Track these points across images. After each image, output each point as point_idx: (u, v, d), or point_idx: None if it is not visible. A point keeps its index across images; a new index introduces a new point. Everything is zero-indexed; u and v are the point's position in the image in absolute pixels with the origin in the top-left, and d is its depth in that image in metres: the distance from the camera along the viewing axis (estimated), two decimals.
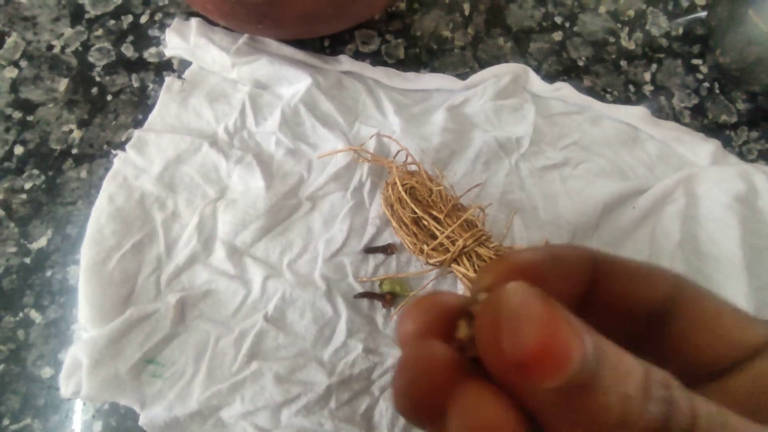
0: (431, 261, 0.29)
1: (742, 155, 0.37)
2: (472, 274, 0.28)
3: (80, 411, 0.29)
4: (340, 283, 0.32)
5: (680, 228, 0.33)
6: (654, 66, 0.39)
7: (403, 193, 0.29)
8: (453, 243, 0.28)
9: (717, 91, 0.39)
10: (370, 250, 0.33)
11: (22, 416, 0.29)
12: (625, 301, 0.12)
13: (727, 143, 0.37)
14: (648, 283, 0.11)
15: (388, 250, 0.33)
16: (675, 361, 0.12)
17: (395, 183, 0.30)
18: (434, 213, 0.29)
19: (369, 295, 0.32)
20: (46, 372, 0.30)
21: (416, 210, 0.29)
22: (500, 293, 0.09)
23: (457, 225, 0.28)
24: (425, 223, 0.29)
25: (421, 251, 0.29)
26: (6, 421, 0.29)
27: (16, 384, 0.29)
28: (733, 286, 0.32)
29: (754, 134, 0.38)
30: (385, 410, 0.30)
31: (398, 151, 0.33)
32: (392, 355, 0.30)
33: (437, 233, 0.29)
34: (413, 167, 0.32)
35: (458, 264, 0.28)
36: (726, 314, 0.11)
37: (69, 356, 0.28)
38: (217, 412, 0.29)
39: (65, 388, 0.28)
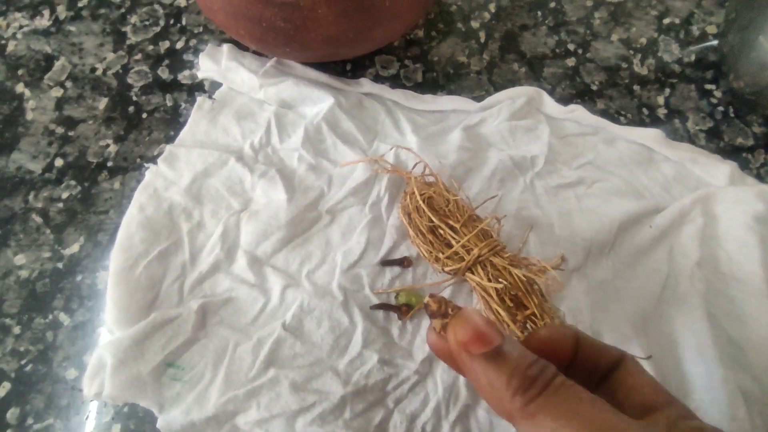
0: (446, 269, 0.30)
1: (760, 177, 0.37)
2: (486, 283, 0.28)
3: (101, 413, 0.30)
4: (357, 294, 0.32)
5: (699, 247, 0.33)
6: (667, 90, 0.40)
7: (420, 201, 0.30)
8: (468, 252, 0.29)
9: (732, 114, 0.39)
10: (386, 262, 0.33)
11: (45, 416, 0.30)
12: (592, 361, 0.19)
13: (744, 166, 0.37)
14: (607, 352, 0.19)
15: (404, 263, 0.33)
16: (618, 397, 0.18)
17: (413, 192, 0.31)
18: (450, 222, 0.30)
19: (385, 306, 0.32)
20: (71, 373, 0.31)
21: (433, 219, 0.30)
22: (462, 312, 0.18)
23: (473, 234, 0.29)
24: (441, 231, 0.30)
25: (437, 259, 0.30)
26: (30, 420, 0.29)
27: (41, 384, 0.30)
28: (755, 307, 0.31)
29: None
30: (399, 423, 0.29)
31: (416, 164, 0.34)
32: (407, 367, 0.30)
33: (453, 242, 0.29)
34: (431, 179, 0.33)
35: (473, 273, 0.29)
36: (647, 378, 0.18)
37: (94, 357, 0.29)
38: (233, 419, 0.29)
39: (89, 389, 0.28)
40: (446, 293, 0.32)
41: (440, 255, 0.30)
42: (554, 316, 0.28)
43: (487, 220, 0.30)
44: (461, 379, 0.30)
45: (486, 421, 0.30)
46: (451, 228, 0.30)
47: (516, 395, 0.16)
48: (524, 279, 0.28)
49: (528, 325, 0.28)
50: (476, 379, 0.17)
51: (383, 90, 0.39)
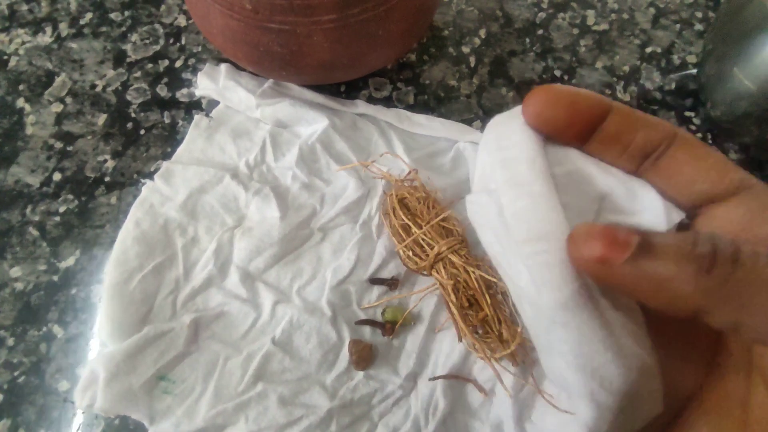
0: (410, 266, 0.31)
1: None
2: (444, 281, 0.29)
3: (91, 425, 0.30)
4: (345, 310, 0.33)
5: None
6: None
7: (395, 201, 0.32)
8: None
9: (710, 141, 0.41)
10: (374, 281, 0.34)
11: (37, 427, 0.30)
12: (629, 136, 0.16)
13: None
14: (651, 127, 0.16)
15: (391, 284, 0.34)
16: (672, 185, 0.16)
17: (392, 194, 0.33)
18: (419, 221, 0.31)
19: (369, 322, 0.33)
20: (64, 385, 0.31)
21: (404, 218, 0.31)
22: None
23: (435, 232, 0.30)
24: (413, 231, 0.31)
25: (409, 258, 0.31)
26: (21, 431, 0.30)
27: (34, 395, 0.31)
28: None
29: None
30: None
31: (408, 172, 0.35)
32: (392, 381, 0.31)
33: (420, 240, 0.31)
34: (416, 183, 0.35)
35: (437, 272, 0.30)
36: (711, 156, 0.16)
37: (87, 369, 0.30)
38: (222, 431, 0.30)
39: (81, 401, 0.29)
40: (432, 301, 0.33)
41: (410, 253, 0.31)
42: (512, 323, 0.29)
43: (444, 214, 0.31)
44: (438, 390, 0.31)
45: (463, 427, 0.31)
46: (419, 227, 0.31)
47: (701, 279, 0.12)
48: (480, 279, 0.29)
49: (481, 329, 0.29)
50: (642, 290, 0.13)
51: (377, 111, 0.40)
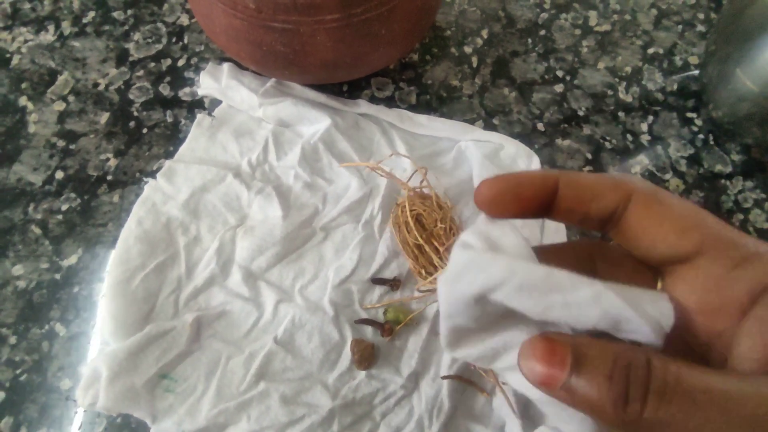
0: (422, 289, 0.31)
1: (738, 203, 0.39)
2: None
3: (93, 423, 0.30)
4: (347, 310, 0.33)
5: None
6: (651, 118, 0.42)
7: (409, 218, 0.31)
8: None
9: (711, 142, 0.41)
10: (376, 280, 0.34)
11: (39, 425, 0.30)
12: (583, 208, 0.16)
13: (723, 192, 0.39)
14: (601, 196, 0.16)
15: (393, 285, 0.34)
16: (635, 247, 0.16)
17: (405, 206, 0.32)
18: (436, 244, 0.31)
19: (369, 322, 0.33)
20: (65, 384, 0.31)
21: (419, 238, 0.31)
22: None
23: (448, 249, 0.30)
24: (427, 249, 0.31)
25: (420, 275, 0.31)
26: (24, 429, 0.30)
27: (36, 394, 0.31)
28: None
29: (749, 184, 0.39)
30: None
31: (413, 173, 0.35)
32: (394, 381, 0.31)
33: (436, 262, 0.30)
34: (427, 191, 0.34)
35: None
36: (669, 216, 0.15)
37: (89, 368, 0.30)
38: (224, 431, 0.30)
39: (83, 399, 0.29)
40: (435, 304, 0.33)
41: (423, 271, 0.31)
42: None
43: (457, 238, 0.31)
44: (444, 390, 0.31)
45: (465, 430, 0.31)
46: (436, 249, 0.31)
47: (617, 412, 0.13)
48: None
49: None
50: (582, 408, 0.14)
51: (379, 111, 0.40)
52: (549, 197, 0.16)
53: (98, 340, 0.32)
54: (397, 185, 0.37)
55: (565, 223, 0.17)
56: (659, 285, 0.17)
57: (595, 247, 0.18)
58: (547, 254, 0.17)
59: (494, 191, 0.16)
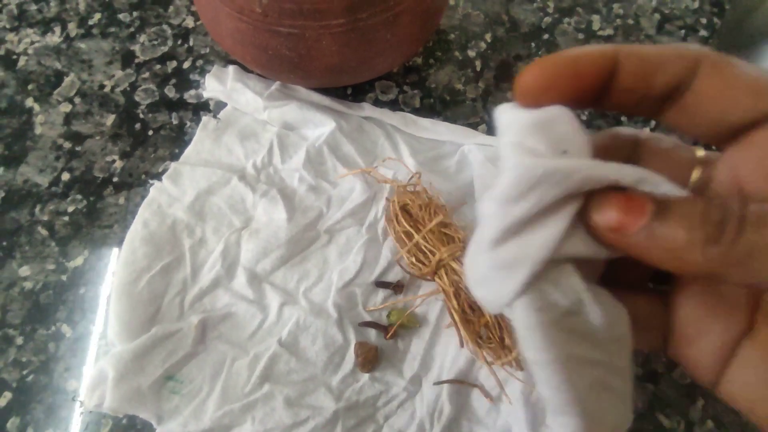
0: (413, 272, 0.31)
1: None
2: (448, 288, 0.29)
3: (99, 424, 0.30)
4: (351, 312, 0.34)
5: None
6: (652, 122, 0.42)
7: (397, 209, 0.32)
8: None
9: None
10: (380, 284, 0.35)
11: (45, 426, 0.30)
12: (645, 84, 0.14)
13: None
14: (667, 65, 0.14)
15: (396, 288, 0.35)
16: (699, 124, 0.14)
17: (394, 200, 0.33)
18: (420, 227, 0.32)
19: (372, 324, 0.33)
20: (72, 385, 0.32)
21: (406, 225, 0.32)
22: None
23: (436, 239, 0.30)
24: (414, 235, 0.32)
25: (412, 263, 0.32)
26: (30, 430, 0.30)
27: (42, 394, 0.31)
28: None
29: None
30: None
31: (411, 177, 0.35)
32: (397, 384, 0.32)
33: (422, 246, 0.31)
34: (418, 188, 0.35)
35: (440, 279, 0.30)
36: (742, 78, 0.13)
37: (95, 369, 0.30)
38: None
39: (89, 400, 0.29)
40: (438, 304, 0.34)
41: (414, 259, 0.32)
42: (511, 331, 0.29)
43: (437, 219, 0.32)
44: (444, 394, 0.31)
45: None
46: (418, 231, 0.31)
47: (709, 247, 0.12)
48: None
49: (484, 335, 0.30)
50: (655, 257, 0.13)
51: (384, 114, 0.41)
52: (609, 74, 0.14)
53: (103, 341, 0.33)
54: (390, 180, 0.37)
55: (620, 111, 0.15)
56: (695, 174, 0.16)
57: (636, 143, 0.17)
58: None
59: (549, 71, 0.14)
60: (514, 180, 0.13)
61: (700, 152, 0.16)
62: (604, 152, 0.14)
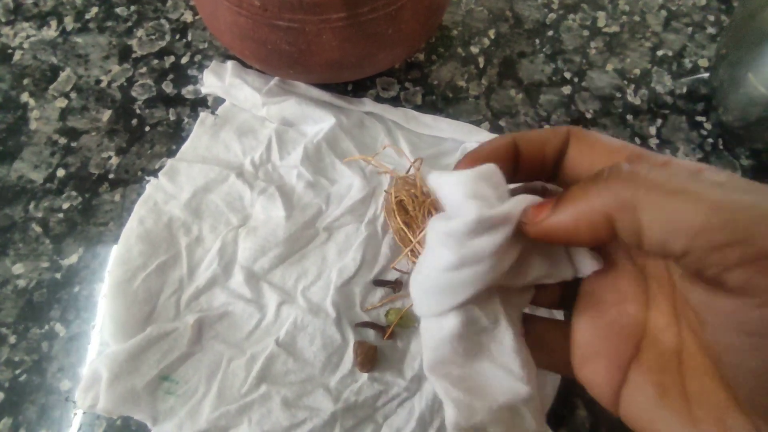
0: (400, 268, 0.31)
1: None
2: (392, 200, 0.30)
3: (93, 425, 0.30)
4: (350, 312, 0.33)
5: None
6: (659, 121, 0.41)
7: (393, 204, 0.32)
8: None
9: (721, 146, 0.41)
10: (379, 282, 0.34)
11: (38, 427, 0.30)
12: (538, 155, 0.19)
13: None
14: (549, 142, 0.19)
15: (395, 286, 0.34)
16: (579, 176, 0.18)
17: (391, 192, 0.33)
18: (413, 226, 0.31)
19: (370, 324, 0.33)
20: (65, 385, 0.31)
21: (400, 222, 0.31)
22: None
23: (421, 236, 0.30)
24: (405, 231, 0.31)
25: (407, 255, 0.31)
26: (22, 431, 0.30)
27: (35, 394, 0.31)
28: None
29: None
30: None
31: (410, 166, 0.35)
32: (397, 384, 0.31)
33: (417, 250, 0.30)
34: (416, 180, 0.34)
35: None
36: (600, 143, 0.18)
37: (89, 369, 0.29)
38: None
39: (82, 401, 0.29)
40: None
41: (409, 253, 0.31)
42: None
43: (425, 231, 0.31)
44: None
45: None
46: (413, 232, 0.31)
47: (602, 194, 0.15)
48: None
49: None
50: (556, 234, 0.16)
51: (385, 110, 0.40)
52: (514, 156, 0.19)
53: (98, 340, 0.32)
54: (390, 170, 0.37)
55: (528, 179, 0.20)
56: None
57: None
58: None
59: (471, 159, 0.19)
60: (474, 221, 0.16)
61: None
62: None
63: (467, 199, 0.16)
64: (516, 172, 0.19)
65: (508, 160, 0.19)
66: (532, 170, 0.19)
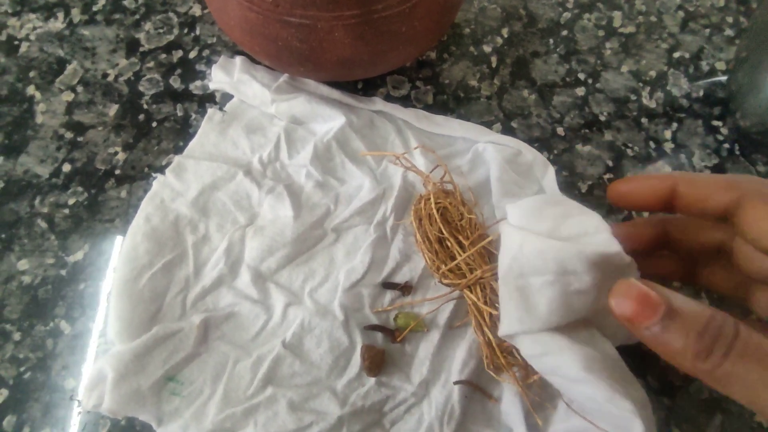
0: (445, 281, 0.30)
1: None
2: (481, 305, 0.28)
3: (97, 425, 0.30)
4: (357, 314, 0.32)
5: None
6: (675, 125, 0.41)
7: (434, 210, 0.31)
8: (471, 271, 0.29)
9: (737, 152, 0.40)
10: (387, 285, 0.34)
11: (42, 425, 0.30)
12: (699, 205, 0.20)
13: None
14: (714, 196, 0.19)
15: (404, 290, 0.33)
16: (746, 238, 0.19)
17: (429, 198, 0.31)
18: (460, 238, 0.30)
19: (379, 328, 0.32)
20: (70, 383, 0.31)
21: (443, 230, 0.30)
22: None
23: (477, 253, 0.29)
24: (449, 244, 0.30)
25: (438, 269, 0.30)
26: (27, 429, 0.29)
27: (39, 392, 0.30)
28: None
29: None
30: None
31: (434, 167, 0.34)
32: (405, 389, 0.31)
33: (457, 256, 0.30)
34: (449, 186, 0.33)
35: (471, 291, 0.29)
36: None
37: (94, 368, 0.29)
38: None
39: (87, 400, 0.28)
40: (447, 310, 0.32)
41: (443, 266, 0.30)
42: None
43: (489, 238, 0.30)
44: (455, 396, 0.30)
45: None
46: (459, 244, 0.30)
47: (697, 362, 0.16)
48: None
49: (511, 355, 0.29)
50: (654, 347, 0.17)
51: (395, 109, 0.39)
52: (669, 196, 0.20)
53: (102, 339, 0.32)
54: (416, 183, 0.36)
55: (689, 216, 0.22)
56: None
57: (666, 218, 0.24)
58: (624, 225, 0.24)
59: (627, 188, 0.22)
60: (617, 253, 0.19)
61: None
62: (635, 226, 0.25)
63: (607, 233, 0.19)
64: (670, 208, 0.21)
65: (662, 197, 0.21)
66: (688, 212, 0.21)
